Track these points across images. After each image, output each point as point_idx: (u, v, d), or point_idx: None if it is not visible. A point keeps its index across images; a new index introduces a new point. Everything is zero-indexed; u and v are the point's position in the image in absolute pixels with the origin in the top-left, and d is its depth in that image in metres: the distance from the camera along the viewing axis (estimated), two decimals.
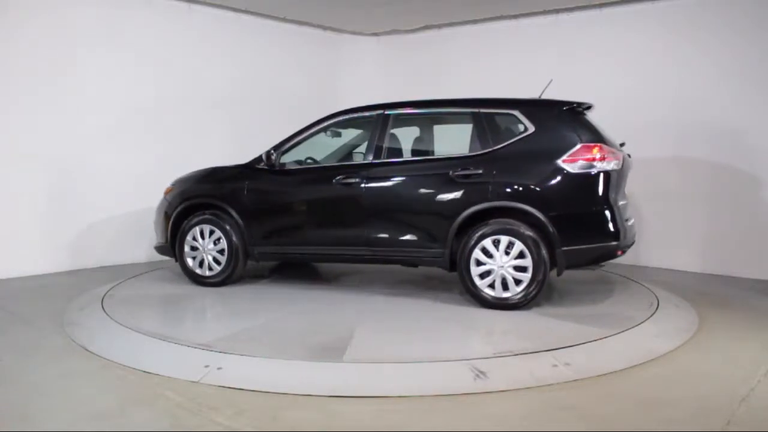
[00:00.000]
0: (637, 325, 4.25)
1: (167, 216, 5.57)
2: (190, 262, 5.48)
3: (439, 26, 8.18)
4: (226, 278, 5.40)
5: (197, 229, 5.43)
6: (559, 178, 4.52)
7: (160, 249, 5.75)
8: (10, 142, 5.92)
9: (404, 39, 8.58)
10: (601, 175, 4.48)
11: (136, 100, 6.75)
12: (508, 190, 4.60)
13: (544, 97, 4.99)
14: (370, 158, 5.03)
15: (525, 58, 7.38)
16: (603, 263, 4.78)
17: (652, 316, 4.51)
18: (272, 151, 5.23)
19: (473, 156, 4.76)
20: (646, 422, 2.88)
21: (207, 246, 5.41)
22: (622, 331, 4.10)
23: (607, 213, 4.49)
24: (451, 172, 4.72)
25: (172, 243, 5.55)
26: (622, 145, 4.96)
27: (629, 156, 4.96)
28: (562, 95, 4.85)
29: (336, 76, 8.66)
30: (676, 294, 5.29)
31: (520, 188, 4.58)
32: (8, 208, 5.93)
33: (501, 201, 4.60)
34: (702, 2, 6.41)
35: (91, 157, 6.44)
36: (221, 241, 5.36)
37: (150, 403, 3.05)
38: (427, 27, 8.25)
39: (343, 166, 5.29)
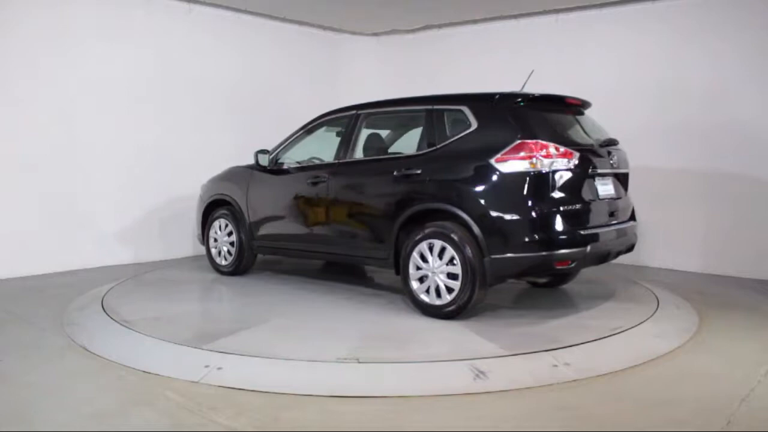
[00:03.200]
0: (637, 325, 4.24)
1: (199, 210, 6.23)
2: (213, 251, 6.12)
3: (439, 26, 8.18)
4: (236, 268, 5.91)
5: (217, 222, 6.02)
6: (490, 178, 4.15)
7: (199, 239, 6.36)
8: (9, 141, 5.91)
9: (404, 39, 8.58)
10: (539, 175, 4.04)
11: (136, 100, 6.75)
12: (441, 191, 4.35)
13: (526, 89, 4.66)
14: (338, 158, 5.14)
15: (525, 58, 7.36)
16: (549, 276, 4.44)
17: (652, 316, 4.50)
18: (264, 152, 5.57)
19: (417, 155, 4.61)
20: (646, 422, 2.87)
21: (222, 238, 5.95)
22: (622, 331, 4.09)
23: (542, 219, 4.03)
24: (395, 173, 4.62)
25: (203, 234, 6.22)
26: (607, 143, 4.63)
27: (610, 154, 4.58)
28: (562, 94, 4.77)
29: (336, 76, 8.66)
30: (677, 294, 5.28)
31: (452, 189, 4.30)
32: (8, 207, 5.92)
33: (434, 203, 4.37)
34: (702, 2, 6.40)
35: (89, 157, 6.43)
36: (233, 234, 5.85)
37: (150, 403, 3.04)
38: (427, 27, 8.25)
39: (316, 166, 5.41)
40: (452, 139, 4.45)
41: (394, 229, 4.58)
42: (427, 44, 8.34)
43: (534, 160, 4.04)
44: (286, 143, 5.64)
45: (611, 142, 4.71)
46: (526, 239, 4.03)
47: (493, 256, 4.10)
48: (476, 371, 3.36)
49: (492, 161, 4.13)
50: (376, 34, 8.77)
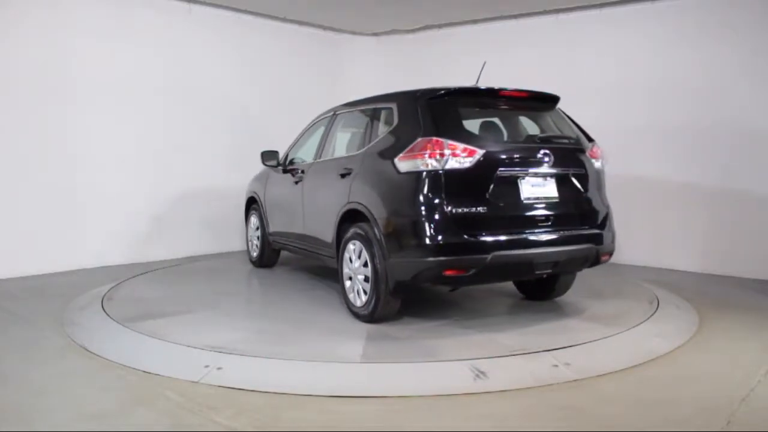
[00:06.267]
0: (637, 325, 4.25)
1: (244, 206, 6.77)
2: (249, 244, 6.69)
3: (439, 26, 8.19)
4: (260, 261, 6.43)
5: (251, 218, 6.56)
6: (392, 178, 3.99)
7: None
8: (9, 141, 5.92)
9: (404, 39, 8.59)
10: (433, 174, 3.79)
11: (137, 99, 6.76)
12: (358, 191, 4.28)
13: (480, 82, 4.49)
14: (314, 158, 5.33)
15: (525, 58, 7.37)
16: (455, 285, 4.21)
17: (652, 316, 4.50)
18: (269, 152, 5.89)
19: (353, 155, 4.59)
20: (646, 422, 2.87)
21: (253, 232, 6.53)
22: (622, 331, 4.10)
23: (433, 221, 3.74)
24: (338, 172, 4.61)
25: (247, 228, 6.79)
26: (547, 140, 4.20)
27: (548, 151, 4.06)
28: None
29: (336, 76, 8.67)
30: (676, 294, 5.29)
31: (364, 189, 4.22)
32: (8, 207, 5.93)
33: (352, 204, 4.31)
34: (701, 2, 6.41)
35: (90, 156, 6.44)
36: (259, 229, 6.35)
37: (150, 403, 3.04)
38: (427, 27, 8.26)
39: (300, 166, 5.55)
40: (378, 138, 4.37)
41: (334, 228, 4.60)
42: (427, 44, 8.35)
43: (428, 158, 3.80)
44: (294, 143, 5.91)
45: (551, 139, 4.23)
46: (417, 242, 3.79)
47: (391, 260, 3.94)
48: (476, 371, 3.36)
49: (396, 160, 3.97)
50: (376, 34, 8.77)
